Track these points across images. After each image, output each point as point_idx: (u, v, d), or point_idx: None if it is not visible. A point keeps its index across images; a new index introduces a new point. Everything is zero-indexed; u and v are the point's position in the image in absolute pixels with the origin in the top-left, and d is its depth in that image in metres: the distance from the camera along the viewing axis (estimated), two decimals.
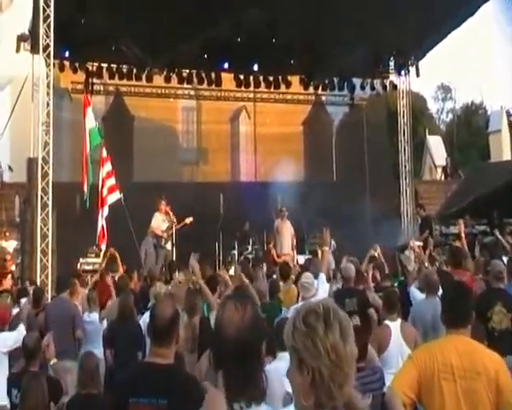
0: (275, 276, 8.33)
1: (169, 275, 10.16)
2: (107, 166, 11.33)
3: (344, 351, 1.57)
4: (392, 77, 16.78)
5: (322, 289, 5.96)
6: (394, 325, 4.92)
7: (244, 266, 8.18)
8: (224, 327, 1.95)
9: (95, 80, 15.55)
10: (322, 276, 6.22)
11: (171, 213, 12.15)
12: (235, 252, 13.75)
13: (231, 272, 11.35)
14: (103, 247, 10.89)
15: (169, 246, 12.26)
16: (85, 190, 11.16)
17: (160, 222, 12.10)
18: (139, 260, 11.58)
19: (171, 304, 3.00)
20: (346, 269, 6.55)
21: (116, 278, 8.32)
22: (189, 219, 12.23)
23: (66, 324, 6.59)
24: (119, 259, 9.18)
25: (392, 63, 16.58)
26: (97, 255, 11.54)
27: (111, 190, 11.21)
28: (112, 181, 11.27)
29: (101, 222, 10.98)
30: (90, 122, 11.32)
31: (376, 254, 8.36)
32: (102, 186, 11.21)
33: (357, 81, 16.86)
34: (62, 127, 15.30)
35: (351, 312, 5.04)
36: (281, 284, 7.28)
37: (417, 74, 16.21)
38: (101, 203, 11.13)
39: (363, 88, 16.91)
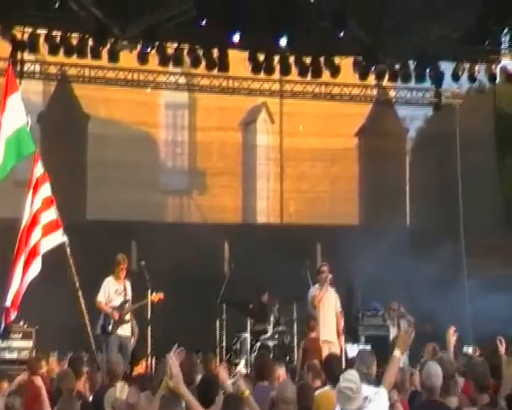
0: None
1: (129, 370, 10.49)
2: (45, 191, 10.92)
3: None
4: (506, 60, 16.82)
5: (377, 402, 5.99)
6: None
7: (263, 361, 8.53)
8: None
9: (26, 56, 15.73)
10: (383, 391, 6.19)
11: (127, 284, 12.69)
12: (247, 336, 14.09)
13: (240, 367, 11.28)
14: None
15: (127, 330, 12.66)
16: None
17: (111, 294, 12.56)
18: (90, 345, 11.43)
19: None
20: (430, 373, 6.61)
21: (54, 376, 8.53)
22: (157, 296, 12.67)
23: None
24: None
25: (505, 38, 16.58)
26: (27, 336, 11.86)
27: (49, 230, 10.87)
28: (51, 214, 10.91)
29: (23, 281, 10.49)
30: (18, 118, 10.79)
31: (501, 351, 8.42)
32: (33, 223, 10.71)
33: (446, 67, 17.01)
34: None
35: None
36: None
37: None
38: (30, 252, 10.59)
39: (456, 78, 17.10)
